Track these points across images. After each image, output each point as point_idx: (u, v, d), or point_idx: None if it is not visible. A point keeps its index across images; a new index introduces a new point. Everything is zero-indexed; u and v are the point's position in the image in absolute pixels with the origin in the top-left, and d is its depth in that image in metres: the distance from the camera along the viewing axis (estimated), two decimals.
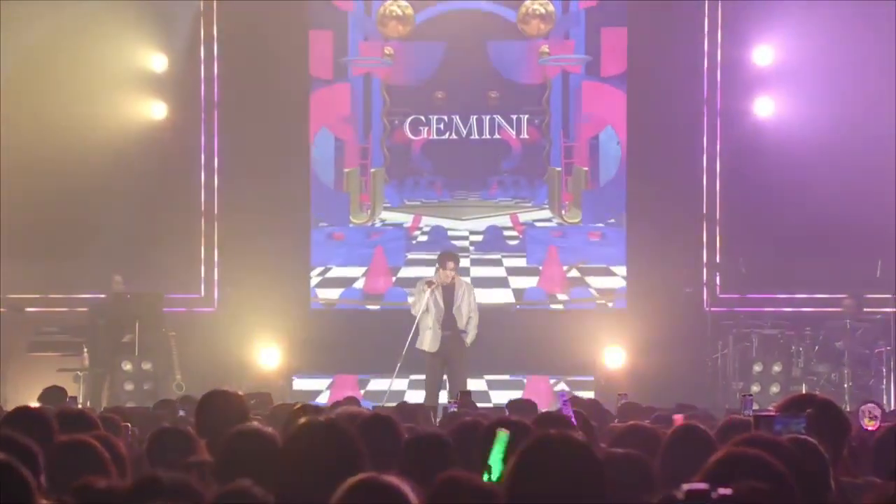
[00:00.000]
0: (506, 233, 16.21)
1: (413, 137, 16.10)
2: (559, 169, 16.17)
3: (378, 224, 16.17)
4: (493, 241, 16.05)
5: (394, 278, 16.01)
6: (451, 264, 13.11)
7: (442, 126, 16.07)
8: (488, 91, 16.13)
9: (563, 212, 16.06)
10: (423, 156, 16.29)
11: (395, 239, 16.10)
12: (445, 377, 12.92)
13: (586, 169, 16.09)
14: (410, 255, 15.96)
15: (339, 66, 16.06)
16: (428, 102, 16.15)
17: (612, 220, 15.85)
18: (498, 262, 16.11)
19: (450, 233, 16.08)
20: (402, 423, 4.96)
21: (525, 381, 14.97)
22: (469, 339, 12.91)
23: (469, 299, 12.98)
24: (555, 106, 16.26)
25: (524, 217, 16.27)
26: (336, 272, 15.90)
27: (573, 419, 5.10)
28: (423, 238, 16.10)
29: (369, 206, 16.08)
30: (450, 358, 12.87)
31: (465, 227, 16.30)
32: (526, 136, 16.11)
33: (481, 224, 16.17)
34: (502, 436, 3.79)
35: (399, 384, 13.61)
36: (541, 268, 15.98)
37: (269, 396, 10.88)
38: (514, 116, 16.12)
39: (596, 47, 15.98)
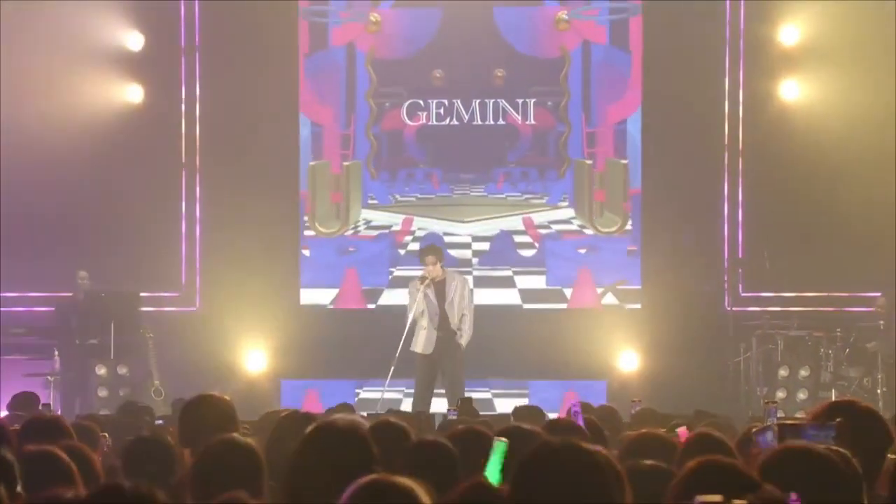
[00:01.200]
0: (517, 238, 15.53)
1: (410, 122, 15.55)
2: (590, 162, 15.37)
3: (357, 229, 15.38)
4: (503, 251, 15.37)
5: (373, 305, 15.30)
6: (430, 259, 13.04)
7: (442, 111, 15.54)
8: (494, 69, 15.33)
9: (593, 217, 15.36)
10: (418, 144, 15.65)
11: (377, 254, 15.39)
12: (443, 383, 12.92)
13: (625, 161, 15.29)
14: (397, 272, 15.19)
15: (316, 33, 15.41)
16: (422, 81, 15.44)
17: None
18: (508, 279, 15.28)
19: (448, 238, 15.29)
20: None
21: (532, 386, 14.97)
22: (464, 339, 12.82)
23: (462, 293, 12.90)
24: (574, 84, 15.41)
25: (540, 218, 15.49)
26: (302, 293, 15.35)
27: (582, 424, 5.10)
28: (415, 246, 15.23)
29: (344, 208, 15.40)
30: (442, 361, 12.82)
31: (468, 230, 15.56)
32: (532, 122, 15.49)
33: (487, 227, 15.46)
34: (500, 445, 3.80)
35: (393, 391, 13.58)
36: (568, 292, 15.26)
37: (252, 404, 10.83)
38: (521, 100, 15.40)
39: (623, 20, 15.32)
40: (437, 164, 15.66)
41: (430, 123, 15.65)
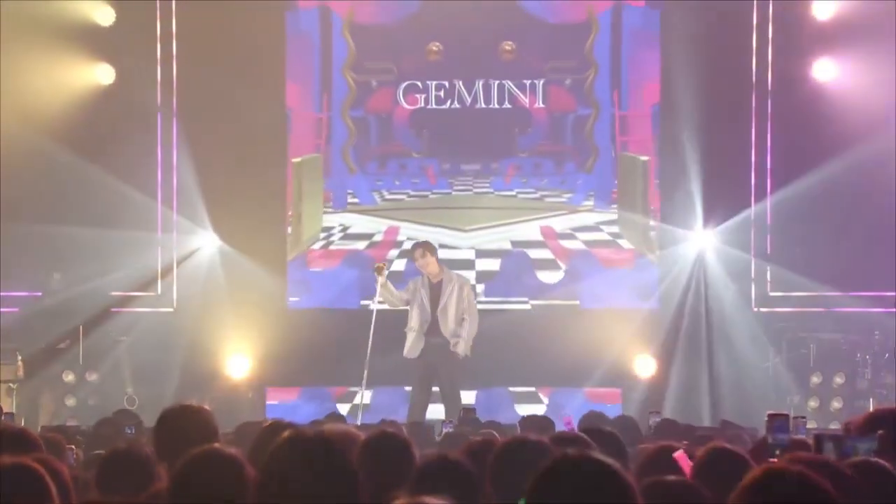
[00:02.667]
0: (534, 254, 14.76)
1: (405, 104, 15.15)
2: (644, 158, 14.61)
3: (330, 240, 14.88)
4: (517, 273, 14.67)
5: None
6: (417, 252, 12.96)
7: (442, 93, 15.14)
8: (502, 41, 14.67)
9: (647, 238, 14.62)
10: (411, 130, 15.16)
11: (345, 287, 14.76)
12: (440, 393, 12.91)
13: (645, 158, 14.65)
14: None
15: None
16: (415, 54, 14.86)
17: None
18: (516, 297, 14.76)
19: (445, 253, 14.21)
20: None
21: (539, 393, 14.97)
22: (461, 347, 12.72)
23: (459, 298, 12.76)
24: (602, 56, 14.75)
25: (560, 224, 14.80)
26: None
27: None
28: (398, 268, 14.55)
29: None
30: (438, 370, 12.81)
31: (469, 241, 14.82)
32: (547, 104, 14.99)
33: (494, 237, 14.82)
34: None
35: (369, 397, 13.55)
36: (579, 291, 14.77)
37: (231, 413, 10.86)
38: (534, 79, 14.76)
39: None
40: (433, 154, 15.17)
41: (426, 107, 15.19)
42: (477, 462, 4.45)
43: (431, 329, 12.78)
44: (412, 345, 12.80)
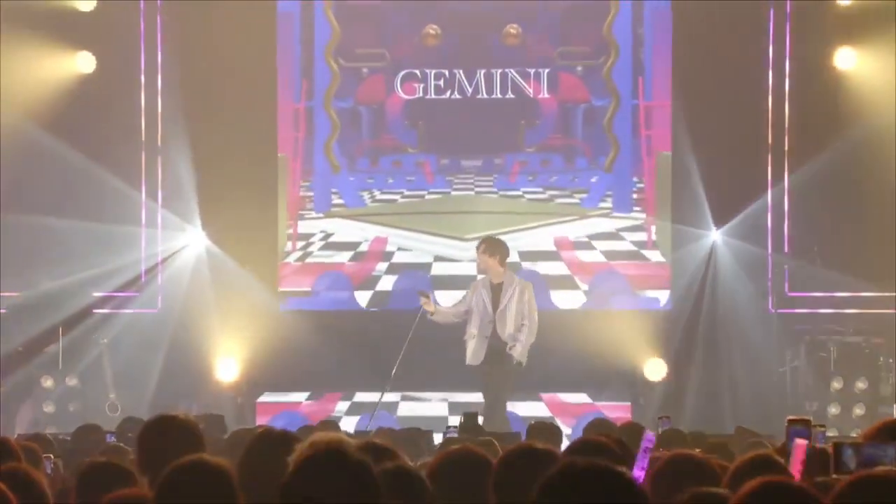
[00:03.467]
0: (545, 269, 14.31)
1: (401, 94, 14.93)
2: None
3: (308, 250, 14.66)
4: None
5: (366, 299, 14.67)
6: (480, 247, 12.70)
7: (442, 83, 14.93)
8: (506, 24, 14.42)
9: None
10: (406, 122, 14.92)
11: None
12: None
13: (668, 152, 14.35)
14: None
15: None
16: (409, 37, 14.59)
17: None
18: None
19: (442, 269, 14.13)
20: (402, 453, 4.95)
21: (544, 399, 14.97)
22: (516, 351, 12.54)
23: (520, 302, 12.52)
24: (623, 38, 14.41)
25: (576, 231, 14.47)
26: None
27: (640, 471, 5.09)
28: (386, 287, 14.50)
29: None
30: (490, 372, 12.67)
31: (470, 253, 13.88)
32: (550, 95, 14.81)
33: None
34: None
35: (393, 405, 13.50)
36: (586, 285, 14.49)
37: (222, 419, 10.88)
38: (542, 67, 14.50)
39: None
40: (430, 150, 14.91)
41: (424, 97, 14.98)
42: (476, 472, 4.42)
43: (493, 332, 12.59)
44: (475, 351, 12.59)
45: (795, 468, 4.72)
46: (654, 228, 14.97)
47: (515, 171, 14.96)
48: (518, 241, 14.83)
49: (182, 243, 15.39)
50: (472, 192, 15.09)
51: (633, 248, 15.11)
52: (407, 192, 15.08)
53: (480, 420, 10.89)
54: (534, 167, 15.01)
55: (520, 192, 15.06)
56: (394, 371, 12.65)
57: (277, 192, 15.47)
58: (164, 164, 15.46)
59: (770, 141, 15.35)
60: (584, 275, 14.94)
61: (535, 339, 12.67)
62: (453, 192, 15.12)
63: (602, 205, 15.08)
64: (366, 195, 15.29)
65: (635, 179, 15.15)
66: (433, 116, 15.14)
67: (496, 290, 12.62)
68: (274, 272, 15.50)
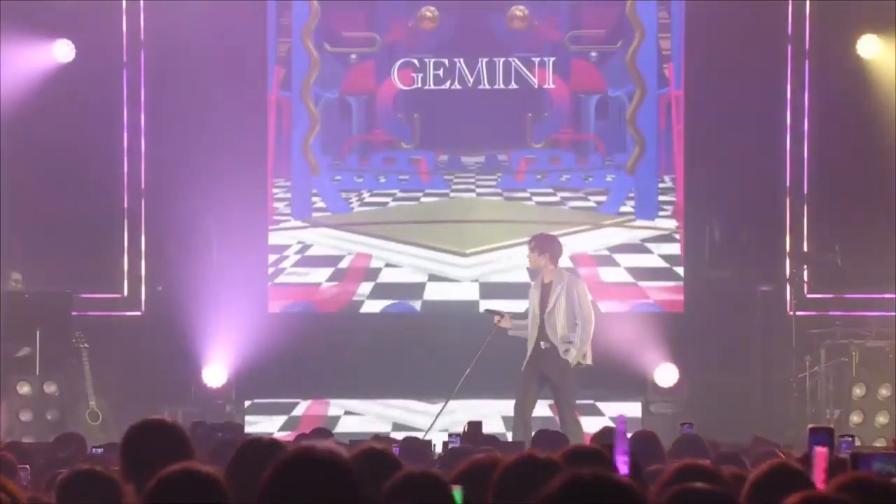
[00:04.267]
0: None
1: (401, 85, 14.69)
2: None
3: (281, 266, 14.36)
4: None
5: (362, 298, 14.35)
6: (531, 243, 12.44)
7: (441, 72, 14.66)
8: (512, 5, 13.98)
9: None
10: (399, 114, 14.55)
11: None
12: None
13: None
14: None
15: None
16: (401, 20, 14.20)
17: None
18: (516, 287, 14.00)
19: (438, 292, 13.72)
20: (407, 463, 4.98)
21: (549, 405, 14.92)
22: (571, 355, 12.41)
23: (569, 299, 12.32)
24: (648, 20, 13.96)
25: (595, 242, 13.96)
26: None
27: (623, 456, 5.13)
28: (373, 308, 14.06)
29: None
30: (549, 379, 12.56)
31: (471, 271, 13.96)
32: (560, 85, 14.49)
33: (505, 265, 13.97)
34: (456, 495, 3.87)
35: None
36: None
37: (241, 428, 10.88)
38: (541, 56, 14.17)
39: None
40: (426, 145, 14.57)
41: (422, 87, 14.72)
42: (477, 483, 4.45)
43: (541, 334, 12.47)
44: (530, 352, 12.56)
45: (819, 478, 4.75)
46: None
47: (522, 170, 14.66)
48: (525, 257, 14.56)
49: (167, 241, 15.39)
50: (474, 194, 14.81)
51: (664, 263, 14.87)
52: (400, 194, 14.80)
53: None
54: (542, 165, 14.67)
55: (527, 194, 14.80)
56: (461, 380, 12.53)
57: (266, 188, 15.45)
58: (147, 158, 15.46)
59: (789, 133, 15.36)
60: (610, 299, 14.63)
61: (591, 335, 12.45)
62: (452, 194, 14.82)
63: (623, 210, 14.78)
64: (353, 197, 15.01)
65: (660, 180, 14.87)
66: (430, 108, 14.84)
67: (545, 290, 12.43)
68: (263, 274, 15.49)
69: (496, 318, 12.61)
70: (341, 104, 14.92)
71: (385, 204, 14.91)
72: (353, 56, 14.79)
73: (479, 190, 14.76)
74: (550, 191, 14.70)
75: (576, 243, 14.64)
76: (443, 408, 12.84)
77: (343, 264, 14.67)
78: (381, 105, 14.89)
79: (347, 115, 14.97)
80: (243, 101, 15.32)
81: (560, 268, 12.62)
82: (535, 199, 14.85)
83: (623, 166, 14.89)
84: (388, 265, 14.64)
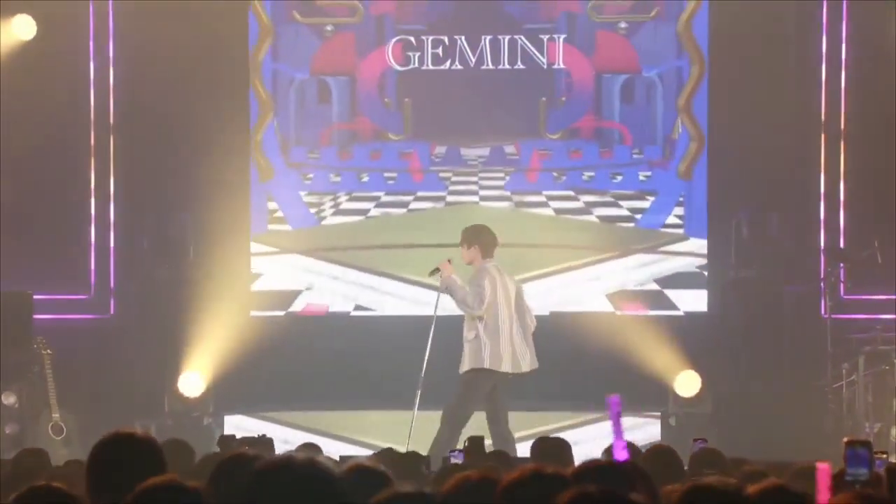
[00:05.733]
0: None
1: (396, 65, 14.34)
2: None
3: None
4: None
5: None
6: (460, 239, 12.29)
7: (441, 51, 14.33)
8: None
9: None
10: (386, 100, 14.03)
11: None
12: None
13: None
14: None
15: None
16: None
17: None
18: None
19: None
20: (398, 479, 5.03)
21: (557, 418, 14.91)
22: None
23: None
24: None
25: (638, 274, 13.47)
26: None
27: (620, 440, 5.15)
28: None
29: None
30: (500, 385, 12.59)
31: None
32: (560, 65, 14.23)
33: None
34: None
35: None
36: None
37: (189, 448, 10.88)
38: (551, 32, 13.77)
39: None
40: (420, 136, 14.00)
41: (420, 67, 14.36)
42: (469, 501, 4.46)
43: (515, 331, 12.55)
44: (520, 354, 12.57)
45: (823, 496, 4.80)
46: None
47: (535, 166, 14.09)
48: (548, 297, 14.04)
49: (138, 237, 15.40)
50: (476, 197, 14.34)
51: (686, 261, 14.67)
52: (385, 197, 14.30)
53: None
54: (560, 160, 14.02)
55: (542, 197, 14.27)
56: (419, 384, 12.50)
57: (248, 177, 15.45)
58: (116, 146, 15.48)
59: (823, 119, 15.36)
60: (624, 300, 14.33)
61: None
62: (449, 197, 14.38)
63: (669, 223, 14.26)
64: (327, 202, 14.52)
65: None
66: (422, 92, 14.39)
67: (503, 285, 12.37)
68: (245, 274, 15.50)
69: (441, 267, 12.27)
70: (320, 87, 14.59)
71: (365, 212, 14.46)
72: (329, 27, 14.27)
73: (482, 192, 14.32)
74: (571, 193, 14.18)
75: (612, 275, 14.14)
76: (413, 420, 12.83)
77: (297, 306, 14.00)
78: (363, 87, 14.46)
79: (327, 99, 14.58)
80: (224, 82, 15.30)
81: (484, 261, 12.35)
82: (553, 204, 14.29)
83: (659, 163, 14.40)
84: (358, 308, 14.02)
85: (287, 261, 14.34)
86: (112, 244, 15.59)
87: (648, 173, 14.40)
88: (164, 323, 15.02)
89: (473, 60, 14.38)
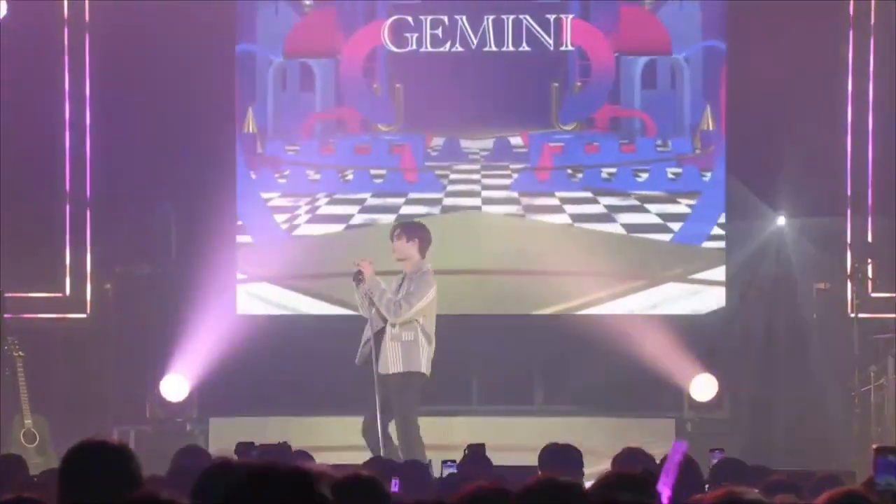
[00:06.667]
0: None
1: (393, 47, 14.13)
2: None
3: None
4: None
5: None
6: (396, 231, 12.31)
7: (440, 32, 14.02)
8: None
9: None
10: (374, 86, 13.61)
11: None
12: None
13: None
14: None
15: None
16: None
17: None
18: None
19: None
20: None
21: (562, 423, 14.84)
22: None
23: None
24: None
25: (677, 301, 12.93)
26: None
27: (667, 490, 5.14)
28: None
29: None
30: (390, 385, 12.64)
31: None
32: (568, 47, 13.92)
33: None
34: None
35: None
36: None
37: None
38: (560, 14, 13.36)
39: None
40: (413, 128, 13.55)
41: (419, 49, 14.03)
42: None
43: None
44: (365, 354, 12.62)
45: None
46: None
47: (546, 164, 13.58)
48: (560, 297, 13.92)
49: (116, 232, 15.35)
50: (479, 200, 13.89)
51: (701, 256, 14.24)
52: (372, 200, 13.85)
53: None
54: (574, 155, 13.45)
55: (556, 200, 13.75)
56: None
57: (234, 165, 15.38)
58: (92, 134, 15.46)
59: (850, 95, 15.33)
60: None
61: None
62: (446, 199, 13.95)
63: (714, 235, 13.87)
64: (302, 205, 14.13)
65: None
66: (416, 77, 13.97)
67: (399, 284, 12.43)
68: (230, 270, 15.42)
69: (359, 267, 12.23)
70: (303, 71, 14.25)
71: (347, 218, 13.99)
72: (308, 3, 13.86)
73: (485, 193, 13.89)
74: (588, 194, 13.64)
75: (645, 306, 13.90)
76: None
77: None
78: (347, 71, 14.04)
79: (310, 85, 14.29)
80: (209, 63, 15.23)
81: (424, 261, 12.31)
82: (569, 208, 13.71)
83: (690, 158, 13.76)
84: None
85: (251, 290, 14.00)
86: (88, 238, 15.56)
87: (678, 170, 13.92)
88: (145, 322, 15.01)
89: (476, 42, 14.05)
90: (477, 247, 13.95)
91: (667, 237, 13.90)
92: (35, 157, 15.40)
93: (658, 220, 13.77)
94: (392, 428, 12.42)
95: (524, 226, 13.55)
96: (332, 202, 13.90)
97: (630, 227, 13.72)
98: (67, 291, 15.57)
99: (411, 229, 12.41)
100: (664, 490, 5.04)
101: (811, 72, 15.13)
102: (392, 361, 12.44)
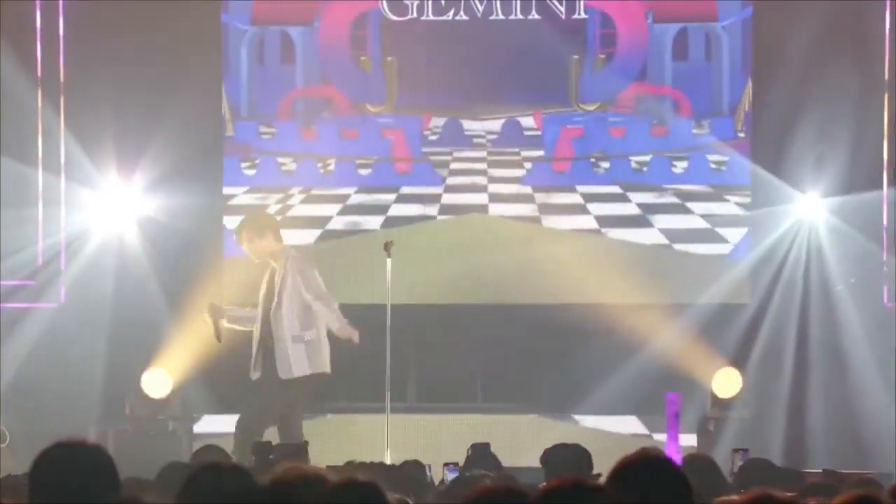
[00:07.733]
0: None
1: (392, 15, 13.67)
2: None
3: None
4: None
5: None
6: (242, 235, 12.25)
7: (443, 1, 13.44)
8: None
9: None
10: (361, 58, 13.09)
11: None
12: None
13: None
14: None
15: None
16: None
17: None
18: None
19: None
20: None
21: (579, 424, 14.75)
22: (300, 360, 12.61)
23: (294, 287, 12.21)
24: None
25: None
26: None
27: (674, 442, 5.18)
28: None
29: None
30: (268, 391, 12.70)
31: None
32: (582, 15, 13.47)
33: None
34: None
35: None
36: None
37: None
38: None
39: None
40: (407, 108, 12.89)
41: (419, 19, 13.48)
42: None
43: (266, 335, 12.58)
44: (254, 361, 12.71)
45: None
46: None
47: (565, 151, 12.86)
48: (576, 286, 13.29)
49: (90, 216, 15.40)
50: (485, 197, 13.28)
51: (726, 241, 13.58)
52: (355, 198, 13.25)
53: None
54: (598, 139, 12.69)
55: (578, 197, 13.10)
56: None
57: (221, 149, 15.31)
58: (67, 112, 15.49)
59: (886, 76, 15.31)
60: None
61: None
62: (446, 195, 13.36)
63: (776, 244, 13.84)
64: (272, 206, 13.75)
65: None
66: (410, 48, 13.47)
67: (270, 279, 12.26)
68: (218, 257, 15.36)
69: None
70: (283, 42, 13.71)
71: (325, 222, 13.45)
72: None
73: (492, 188, 13.30)
74: (617, 189, 12.97)
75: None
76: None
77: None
78: (327, 42, 13.46)
79: (291, 58, 13.76)
80: (192, 41, 15.16)
81: (286, 246, 12.09)
82: (594, 208, 13.04)
83: (736, 143, 13.13)
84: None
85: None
86: (62, 222, 15.52)
87: (723, 158, 13.31)
88: (124, 313, 15.02)
89: (481, 10, 13.46)
90: (482, 273, 13.36)
91: (723, 249, 13.46)
92: (6, 136, 15.39)
93: (705, 224, 13.29)
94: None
95: (542, 237, 12.99)
96: (308, 199, 13.45)
97: (671, 235, 13.19)
98: (39, 279, 15.50)
99: (252, 226, 12.11)
100: (673, 454, 5.04)
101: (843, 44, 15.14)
102: (296, 364, 12.27)
